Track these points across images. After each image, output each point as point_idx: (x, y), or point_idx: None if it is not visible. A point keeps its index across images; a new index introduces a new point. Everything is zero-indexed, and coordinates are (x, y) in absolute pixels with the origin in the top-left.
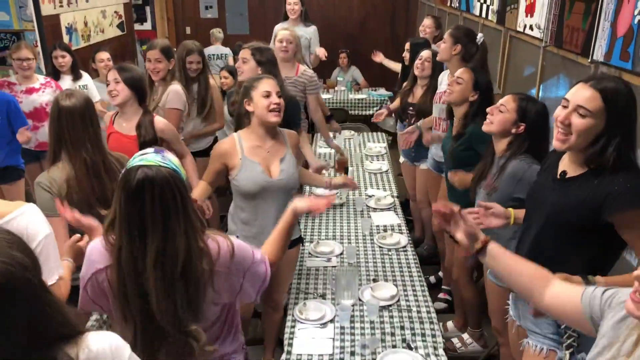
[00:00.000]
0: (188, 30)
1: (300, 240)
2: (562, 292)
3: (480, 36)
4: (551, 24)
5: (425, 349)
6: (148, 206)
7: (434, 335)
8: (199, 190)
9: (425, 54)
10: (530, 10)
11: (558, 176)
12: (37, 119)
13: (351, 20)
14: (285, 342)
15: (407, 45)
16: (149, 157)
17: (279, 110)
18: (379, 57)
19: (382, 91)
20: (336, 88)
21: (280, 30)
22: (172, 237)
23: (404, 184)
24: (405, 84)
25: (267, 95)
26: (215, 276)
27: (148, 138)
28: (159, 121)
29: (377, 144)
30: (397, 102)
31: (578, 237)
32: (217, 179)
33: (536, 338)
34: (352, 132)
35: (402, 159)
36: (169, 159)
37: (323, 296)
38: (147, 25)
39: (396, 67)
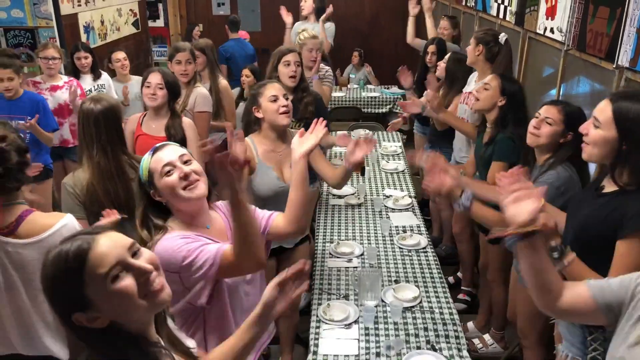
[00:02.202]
0: (200, 27)
1: (306, 239)
2: (571, 291)
3: (502, 35)
4: (573, 28)
5: (449, 350)
6: None
7: (457, 337)
8: None
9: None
10: (551, 12)
11: (596, 190)
12: (61, 116)
13: (362, 18)
14: (311, 342)
15: (432, 48)
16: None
17: (289, 112)
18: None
19: (395, 89)
20: (349, 86)
21: (309, 39)
22: None
23: (420, 184)
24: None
25: (275, 99)
26: None
27: (177, 138)
28: (184, 121)
29: (393, 143)
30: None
31: (600, 255)
32: None
33: (566, 344)
34: (367, 130)
35: None
36: (144, 159)
37: (346, 297)
38: (159, 23)
39: (415, 42)
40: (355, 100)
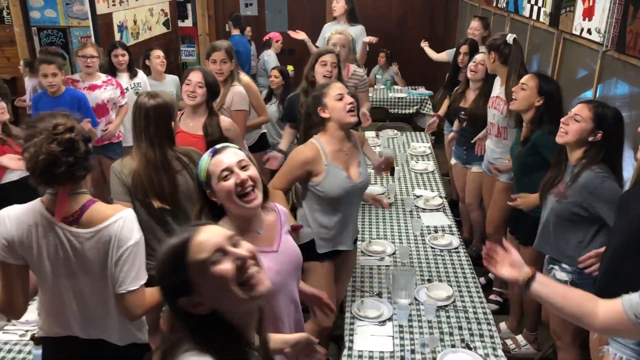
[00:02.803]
0: (227, 27)
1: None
2: (607, 308)
3: (510, 36)
4: (612, 29)
5: (484, 349)
6: None
7: (492, 336)
8: (280, 201)
9: (479, 57)
10: (588, 13)
11: None
12: (99, 114)
13: (390, 20)
14: (346, 337)
15: (465, 48)
16: (214, 148)
17: (355, 110)
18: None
19: (422, 90)
20: (375, 86)
21: (335, 34)
22: None
23: (449, 184)
24: (457, 87)
25: (340, 97)
26: None
27: (215, 137)
28: (224, 120)
29: (422, 144)
30: (445, 106)
31: None
32: (291, 186)
33: (617, 346)
34: (395, 131)
35: (453, 161)
36: (202, 159)
37: (379, 295)
38: (188, 23)
39: (438, 56)
40: (382, 101)
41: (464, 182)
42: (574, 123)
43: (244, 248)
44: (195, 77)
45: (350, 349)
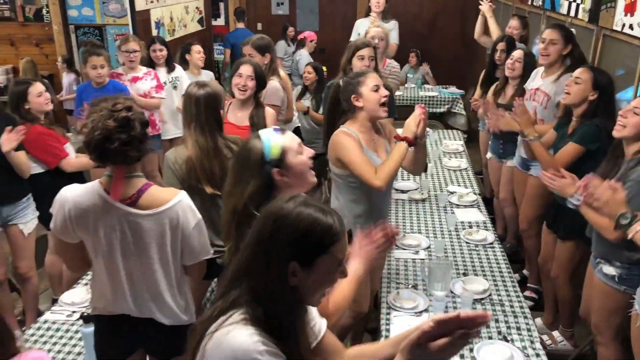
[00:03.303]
0: (259, 26)
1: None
2: None
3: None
4: None
5: (521, 342)
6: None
7: (529, 330)
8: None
9: (517, 54)
10: (630, 9)
11: None
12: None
13: (421, 19)
14: (382, 327)
15: (502, 45)
16: (265, 130)
17: (386, 104)
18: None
19: (453, 89)
20: (406, 85)
21: (373, 27)
22: None
23: (481, 183)
24: (497, 84)
25: (377, 89)
26: None
27: (260, 127)
28: (269, 112)
29: (454, 142)
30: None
31: None
32: None
33: None
34: (428, 129)
35: (489, 155)
36: (270, 138)
37: (415, 286)
38: (220, 21)
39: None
40: (413, 100)
41: (499, 177)
42: (634, 116)
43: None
44: (246, 70)
45: (387, 337)
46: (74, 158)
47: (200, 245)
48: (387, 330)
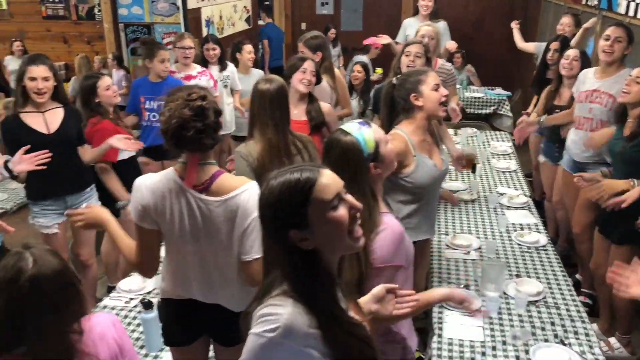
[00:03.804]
0: (303, 26)
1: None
2: None
3: None
4: None
5: (579, 346)
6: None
7: (587, 334)
8: None
9: (572, 52)
10: None
11: None
12: None
13: (466, 20)
14: (434, 325)
15: (555, 45)
16: (349, 125)
17: (445, 104)
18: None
19: (500, 90)
20: None
21: (424, 26)
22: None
23: (531, 184)
24: (550, 85)
25: (437, 88)
26: None
27: (319, 121)
28: (324, 106)
29: (502, 143)
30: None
31: None
32: None
33: None
34: (475, 129)
35: (542, 158)
36: (362, 132)
37: (467, 286)
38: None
39: (524, 45)
40: (459, 100)
41: (552, 180)
42: (636, 85)
43: (350, 199)
44: (310, 65)
45: (440, 336)
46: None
47: (253, 241)
48: (440, 329)
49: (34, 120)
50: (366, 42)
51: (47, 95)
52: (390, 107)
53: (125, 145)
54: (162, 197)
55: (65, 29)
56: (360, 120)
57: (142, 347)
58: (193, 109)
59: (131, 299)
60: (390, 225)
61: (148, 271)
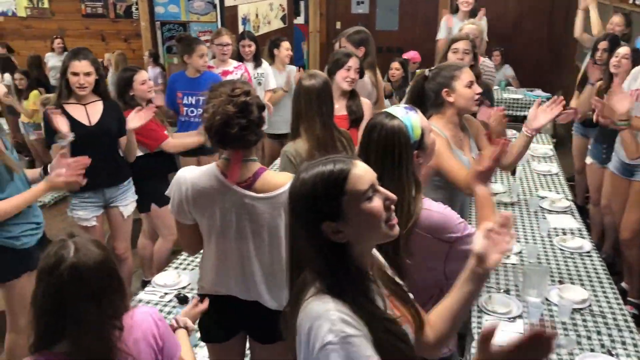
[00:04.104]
0: (338, 25)
1: None
2: None
3: None
4: None
5: (627, 357)
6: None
7: (635, 345)
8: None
9: (622, 50)
10: None
11: None
12: None
13: (505, 20)
14: (474, 330)
15: (604, 44)
16: (395, 109)
17: (479, 101)
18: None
19: (539, 92)
20: None
21: (467, 25)
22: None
23: (573, 188)
24: (600, 83)
25: (471, 85)
26: None
27: (358, 115)
28: (364, 102)
29: (542, 145)
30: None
31: None
32: None
33: None
34: (514, 131)
35: (589, 160)
36: (409, 117)
37: (507, 291)
38: (299, 20)
39: (582, 36)
40: (497, 101)
41: (599, 183)
42: None
43: (385, 191)
44: (355, 63)
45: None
46: (172, 140)
47: None
48: (479, 334)
49: (76, 111)
50: (406, 56)
51: (88, 89)
52: (417, 99)
53: (141, 119)
54: (203, 192)
55: (103, 26)
56: (406, 105)
57: None
58: (237, 105)
59: (166, 293)
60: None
61: (191, 252)
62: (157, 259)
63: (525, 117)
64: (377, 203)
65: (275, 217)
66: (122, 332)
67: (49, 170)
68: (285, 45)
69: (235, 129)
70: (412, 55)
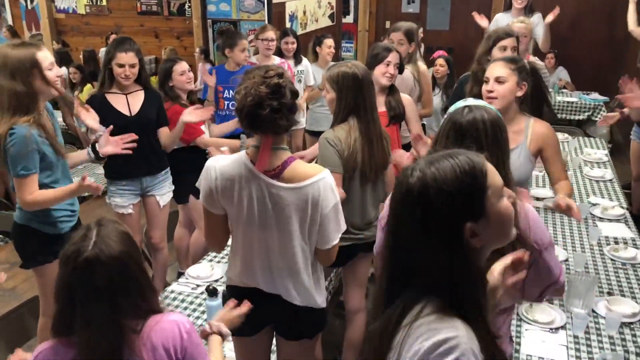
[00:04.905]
0: (387, 24)
1: None
2: None
3: None
4: None
5: None
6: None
7: None
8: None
9: None
10: None
11: None
12: None
13: (562, 20)
14: (513, 340)
15: None
16: (471, 100)
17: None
18: None
19: (596, 95)
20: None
21: (516, 23)
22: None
23: (629, 197)
24: None
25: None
26: None
27: (397, 112)
28: (405, 98)
29: (597, 151)
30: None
31: None
32: None
33: None
34: (566, 135)
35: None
36: (493, 107)
37: (550, 300)
38: (349, 19)
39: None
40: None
41: None
42: None
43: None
44: (395, 58)
45: (517, 351)
46: (206, 137)
47: (333, 229)
48: (518, 344)
49: (117, 101)
50: (435, 55)
51: (132, 79)
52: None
53: (197, 116)
54: (231, 180)
55: (157, 24)
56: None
57: None
58: (270, 86)
59: (198, 285)
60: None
61: (215, 248)
62: (193, 251)
63: (579, 121)
64: (508, 203)
65: (303, 209)
66: (136, 335)
67: (97, 147)
68: (328, 42)
69: (267, 110)
70: (439, 55)
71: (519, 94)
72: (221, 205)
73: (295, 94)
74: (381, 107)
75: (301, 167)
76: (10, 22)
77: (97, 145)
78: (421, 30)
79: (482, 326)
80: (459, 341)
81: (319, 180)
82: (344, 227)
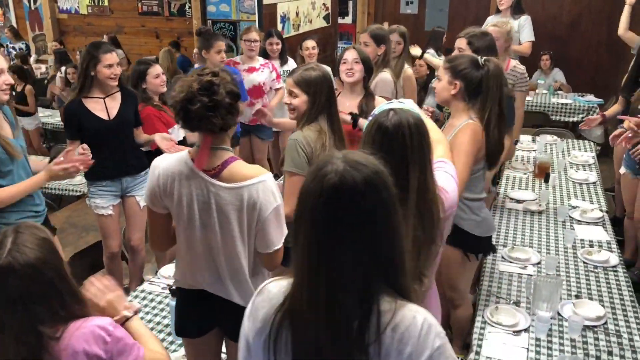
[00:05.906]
0: (386, 25)
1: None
2: None
3: None
4: None
5: None
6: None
7: None
8: None
9: None
10: None
11: None
12: (254, 96)
13: (561, 21)
14: (474, 342)
15: None
16: (396, 103)
17: None
18: None
19: (591, 97)
20: (537, 91)
21: (490, 26)
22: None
23: (612, 200)
24: None
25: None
26: None
27: (365, 117)
28: (380, 101)
29: (584, 153)
30: (615, 108)
31: None
32: None
33: None
34: (555, 137)
35: (622, 170)
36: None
37: (517, 303)
38: (347, 20)
39: (628, 35)
40: (543, 106)
41: (633, 195)
42: None
43: None
44: (351, 54)
45: (477, 353)
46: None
47: (274, 234)
48: (480, 346)
49: (95, 106)
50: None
51: (117, 78)
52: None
53: (165, 148)
54: (171, 179)
55: (158, 24)
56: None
57: (169, 333)
58: (201, 82)
59: (169, 285)
60: None
61: (158, 249)
62: (171, 252)
63: (574, 122)
64: None
65: (241, 210)
66: (56, 341)
67: (51, 164)
68: (307, 44)
69: (197, 105)
70: None
71: (452, 92)
72: (164, 203)
73: (234, 95)
74: (355, 110)
75: (241, 167)
76: (14, 22)
77: (54, 160)
78: (444, 36)
79: None
80: (430, 323)
81: (258, 183)
82: (286, 230)
